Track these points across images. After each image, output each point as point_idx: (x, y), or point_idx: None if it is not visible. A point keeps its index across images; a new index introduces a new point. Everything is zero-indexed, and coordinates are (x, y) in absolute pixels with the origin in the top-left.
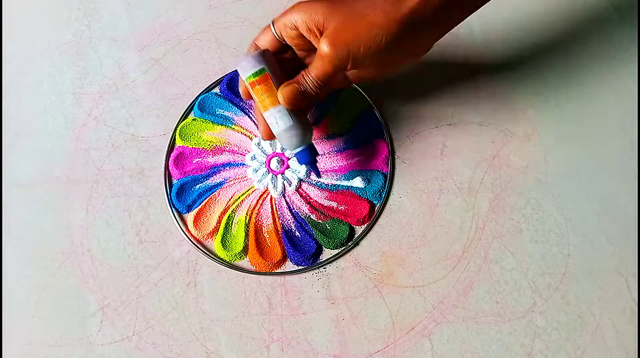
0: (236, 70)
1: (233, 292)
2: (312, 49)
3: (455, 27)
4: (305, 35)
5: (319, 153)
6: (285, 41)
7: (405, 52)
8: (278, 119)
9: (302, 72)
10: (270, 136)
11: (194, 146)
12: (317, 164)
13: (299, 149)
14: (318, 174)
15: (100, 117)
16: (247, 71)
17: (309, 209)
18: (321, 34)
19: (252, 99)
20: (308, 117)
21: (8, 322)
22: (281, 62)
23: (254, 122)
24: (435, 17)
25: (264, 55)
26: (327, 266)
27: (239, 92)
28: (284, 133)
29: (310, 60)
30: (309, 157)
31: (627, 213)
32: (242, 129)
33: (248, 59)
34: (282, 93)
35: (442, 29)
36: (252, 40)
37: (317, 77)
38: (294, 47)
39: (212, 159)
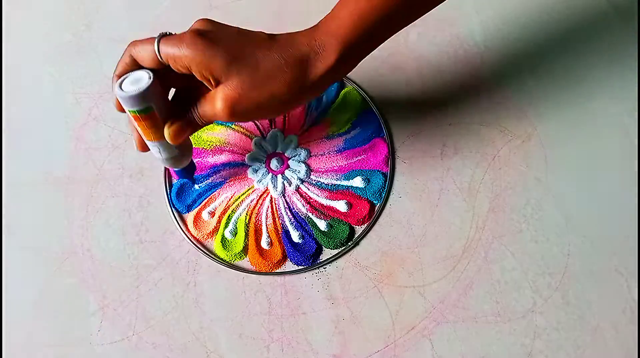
0: None
1: (233, 292)
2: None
3: (456, 28)
4: (196, 76)
5: (315, 153)
6: (168, 64)
7: (298, 105)
8: (161, 150)
9: (192, 109)
10: (144, 149)
11: (194, 146)
12: (194, 174)
13: (177, 169)
14: (194, 183)
15: (100, 117)
16: (130, 105)
17: (309, 209)
18: (216, 82)
19: (123, 111)
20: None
21: (8, 322)
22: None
23: (254, 122)
24: (336, 77)
25: (150, 91)
26: (327, 266)
27: None
28: (165, 161)
29: (198, 89)
30: (186, 174)
31: (627, 213)
32: (242, 129)
33: (132, 96)
34: (169, 132)
35: (334, 82)
36: (128, 48)
37: (206, 119)
38: (176, 71)
39: (212, 159)
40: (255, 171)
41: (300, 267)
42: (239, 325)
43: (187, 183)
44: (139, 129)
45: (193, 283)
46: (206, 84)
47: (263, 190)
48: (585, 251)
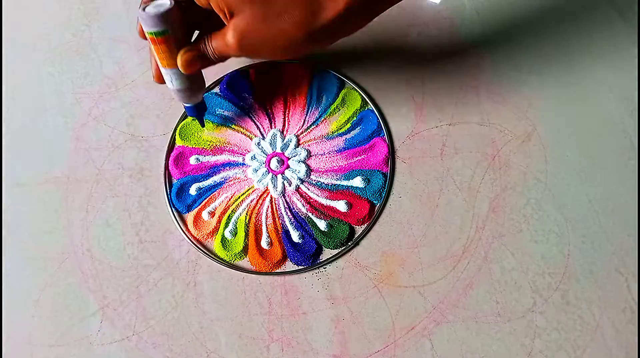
0: (236, 70)
1: (233, 292)
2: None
3: (456, 28)
4: (213, 7)
5: (315, 153)
6: None
7: (306, 53)
8: (173, 79)
9: (204, 39)
10: (160, 80)
11: (194, 146)
12: (203, 117)
13: (188, 105)
14: (202, 125)
15: (100, 117)
16: (148, 26)
17: (308, 209)
18: (231, 15)
19: (145, 38)
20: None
21: (8, 322)
22: (184, 10)
23: (254, 122)
24: (344, 28)
25: (169, 15)
26: (327, 266)
27: (239, 92)
28: (176, 92)
29: (215, 20)
30: (196, 112)
31: (627, 213)
32: (242, 129)
33: (151, 17)
34: (182, 59)
35: (349, 33)
36: None
37: (218, 52)
38: (197, 3)
39: (212, 159)
40: (256, 171)
41: (300, 267)
42: (239, 325)
43: (187, 183)
44: (155, 54)
45: (193, 283)
46: (222, 17)
47: (263, 190)
48: (585, 251)
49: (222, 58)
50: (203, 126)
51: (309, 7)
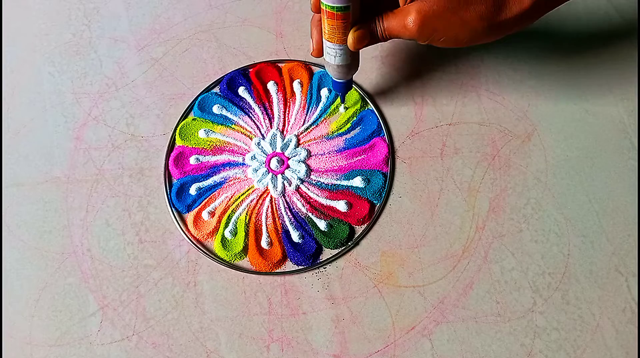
0: (236, 70)
1: (233, 292)
2: None
3: None
4: None
5: (315, 153)
6: None
7: (477, 43)
8: (337, 54)
9: (376, 19)
10: (319, 55)
11: (194, 146)
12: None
13: (340, 81)
14: (343, 101)
15: (100, 117)
16: (333, 1)
17: (308, 209)
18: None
19: (318, 12)
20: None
21: (8, 322)
22: None
23: (254, 122)
24: (523, 23)
25: None
26: (327, 266)
27: (238, 92)
28: (336, 66)
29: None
30: (344, 88)
31: (627, 213)
32: (242, 129)
33: None
34: (353, 36)
35: (522, 28)
36: None
37: (389, 33)
38: None
39: (212, 159)
40: (256, 171)
41: (300, 267)
42: (239, 325)
43: (187, 183)
44: (326, 28)
45: (193, 283)
46: (401, 1)
47: (263, 190)
48: (585, 251)
49: (390, 38)
50: (344, 101)
51: (495, 2)
